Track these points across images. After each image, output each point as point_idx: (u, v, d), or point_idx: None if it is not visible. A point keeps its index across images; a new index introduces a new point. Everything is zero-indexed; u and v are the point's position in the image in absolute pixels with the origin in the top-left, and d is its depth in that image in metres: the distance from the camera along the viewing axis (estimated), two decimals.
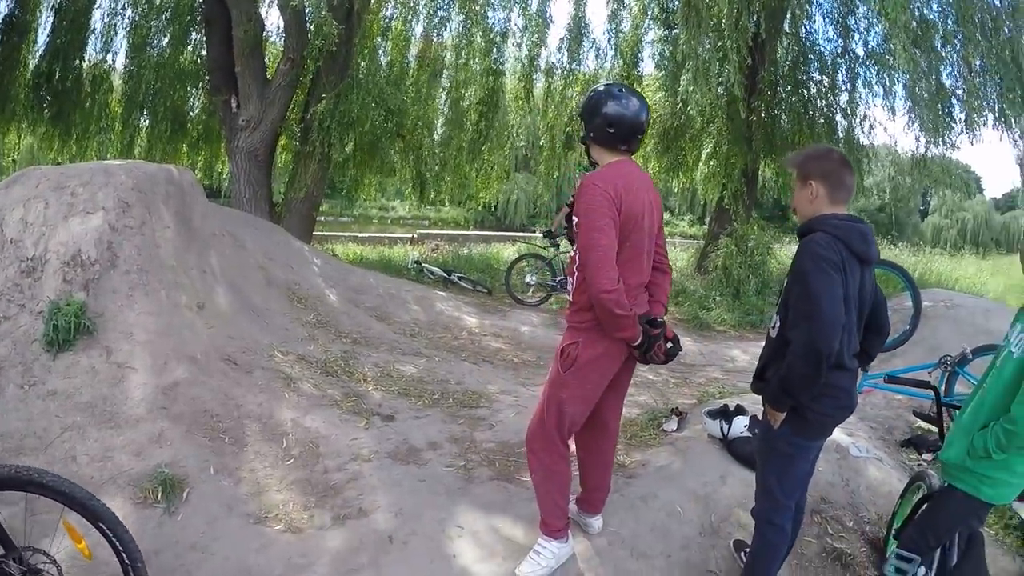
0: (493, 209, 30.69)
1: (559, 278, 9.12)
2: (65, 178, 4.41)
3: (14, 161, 15.89)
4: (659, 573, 3.01)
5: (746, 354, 7.50)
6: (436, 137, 11.69)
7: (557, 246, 9.25)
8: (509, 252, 13.17)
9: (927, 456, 4.14)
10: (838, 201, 2.44)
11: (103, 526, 2.23)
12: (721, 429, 3.89)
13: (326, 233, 16.47)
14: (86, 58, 11.29)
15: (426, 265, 10.59)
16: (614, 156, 2.68)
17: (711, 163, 12.22)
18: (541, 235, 10.66)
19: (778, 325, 2.48)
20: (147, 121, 11.77)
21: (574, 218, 2.62)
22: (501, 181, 12.61)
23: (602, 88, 2.70)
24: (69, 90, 11.04)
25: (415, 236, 18.35)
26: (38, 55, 11.05)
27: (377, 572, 2.83)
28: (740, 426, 3.86)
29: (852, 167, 2.54)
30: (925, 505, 2.78)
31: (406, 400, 4.60)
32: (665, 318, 2.80)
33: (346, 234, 17.96)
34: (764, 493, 2.67)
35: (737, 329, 8.99)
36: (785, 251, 11.63)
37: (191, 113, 12.30)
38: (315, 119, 9.05)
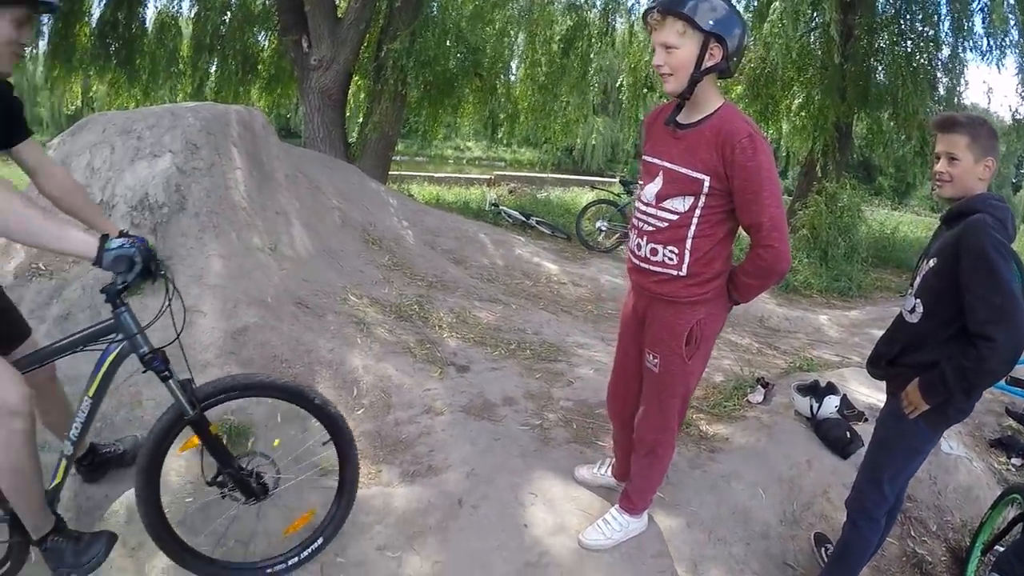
0: (570, 153, 30.11)
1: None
2: (131, 122, 4.43)
3: (91, 110, 16.39)
4: (735, 561, 2.78)
5: (835, 324, 7.05)
6: (513, 77, 11.36)
7: (631, 193, 8.89)
8: (588, 198, 12.81)
9: (1016, 461, 3.83)
10: None
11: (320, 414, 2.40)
12: (811, 407, 3.60)
13: (402, 173, 16.48)
14: (152, 4, 11.44)
15: (504, 208, 10.41)
16: (718, 96, 2.17)
17: (801, 114, 11.42)
18: (619, 182, 10.28)
19: (920, 311, 2.19)
20: (216, 64, 11.90)
21: (700, 175, 2.12)
22: (579, 123, 12.14)
23: (728, 3, 2.09)
24: (136, 37, 11.26)
25: (492, 177, 18.15)
26: (102, 4, 11.21)
27: (444, 538, 2.70)
28: (831, 406, 3.57)
29: None
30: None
31: (482, 349, 4.45)
32: None
33: (421, 174, 17.96)
34: (872, 484, 2.41)
35: (824, 295, 8.49)
36: (874, 214, 10.86)
37: (261, 55, 12.36)
38: (389, 57, 8.89)
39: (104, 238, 1.94)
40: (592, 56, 10.81)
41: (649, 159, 2.28)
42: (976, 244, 2.00)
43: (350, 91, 10.47)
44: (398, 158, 17.66)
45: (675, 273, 2.24)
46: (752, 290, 2.28)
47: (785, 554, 2.90)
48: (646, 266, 2.30)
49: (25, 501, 2.09)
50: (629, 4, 10.62)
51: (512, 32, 10.90)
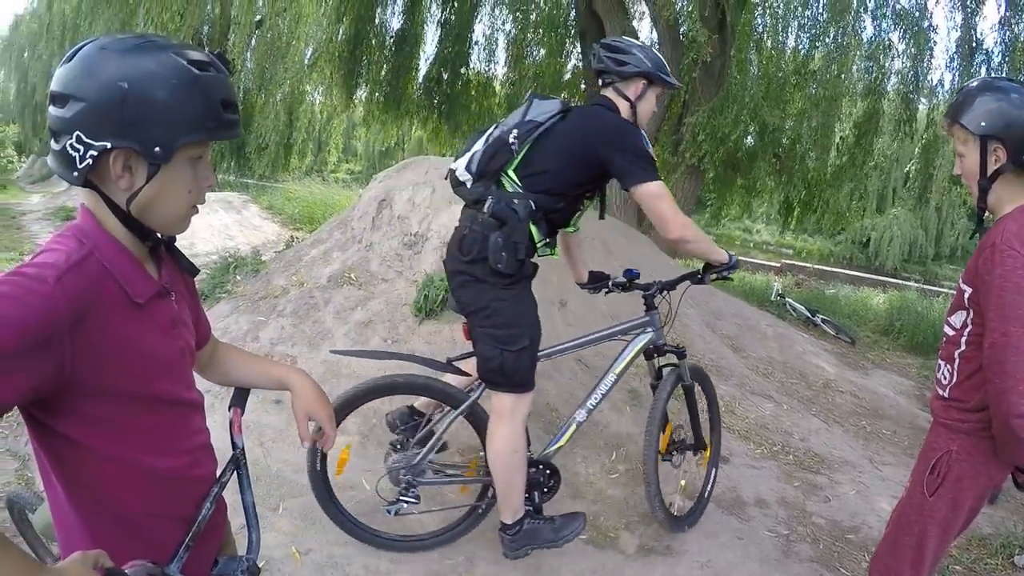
0: (865, 246, 28.07)
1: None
2: None
3: (403, 149, 18.82)
4: None
5: None
6: (808, 160, 11.17)
7: None
8: (879, 300, 11.96)
9: None
10: None
11: None
12: None
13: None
14: (470, 66, 13.07)
15: (789, 300, 10.11)
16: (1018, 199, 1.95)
17: None
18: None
19: None
20: None
21: (964, 286, 1.99)
22: (872, 216, 11.50)
23: (1002, 84, 1.93)
24: (457, 94, 12.89)
25: (780, 266, 17.62)
26: (427, 63, 13.11)
27: None
28: None
29: None
30: None
31: (745, 444, 4.49)
32: None
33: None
34: None
35: None
36: None
37: None
38: (688, 131, 9.18)
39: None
40: (886, 142, 10.28)
41: None
42: None
43: None
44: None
45: (942, 393, 2.11)
46: (1003, 439, 1.91)
47: None
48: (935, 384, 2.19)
49: (515, 492, 2.68)
50: (932, 85, 9.88)
51: (807, 113, 10.78)
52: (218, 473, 1.42)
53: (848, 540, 3.54)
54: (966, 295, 1.97)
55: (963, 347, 2.00)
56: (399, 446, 2.88)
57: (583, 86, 11.43)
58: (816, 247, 29.35)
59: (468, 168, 2.59)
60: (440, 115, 13.03)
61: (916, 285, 16.10)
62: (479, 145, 2.60)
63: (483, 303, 2.57)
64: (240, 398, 1.57)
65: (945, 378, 2.10)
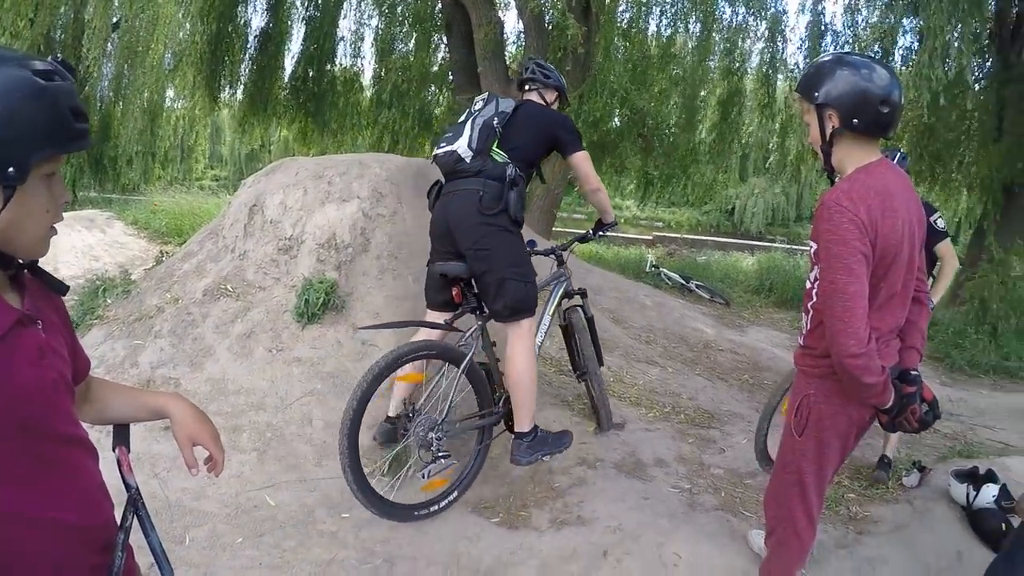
0: (730, 214, 29.75)
1: None
2: (322, 168, 4.98)
3: (269, 152, 18.31)
4: None
5: (1002, 407, 6.49)
6: (672, 138, 11.72)
7: None
8: (748, 263, 12.66)
9: None
10: None
11: None
12: (967, 495, 3.46)
13: (563, 229, 16.95)
14: (337, 63, 12.92)
15: (663, 270, 10.52)
16: (864, 152, 2.13)
17: (964, 172, 10.81)
18: None
19: None
20: (395, 119, 12.99)
21: (811, 243, 2.15)
22: (736, 185, 12.42)
23: (831, 57, 2.17)
24: (324, 92, 12.66)
25: (652, 238, 18.27)
26: (293, 61, 12.83)
27: None
28: (988, 496, 3.41)
29: None
30: None
31: (637, 410, 4.60)
32: (921, 369, 2.33)
33: (581, 231, 18.31)
34: (1006, 562, 2.35)
35: (992, 375, 7.75)
36: None
37: (436, 111, 13.40)
38: None
39: None
40: (747, 119, 11.04)
41: None
42: None
43: None
44: (561, 214, 18.22)
45: (800, 341, 2.31)
46: (845, 380, 2.10)
47: None
48: None
49: (529, 404, 3.27)
50: (790, 67, 10.66)
51: (671, 95, 11.34)
52: (118, 518, 1.32)
53: (747, 485, 3.71)
54: (813, 251, 2.13)
55: (814, 299, 2.17)
56: (410, 415, 3.19)
57: (451, 78, 11.43)
58: (685, 218, 30.67)
59: (470, 147, 3.21)
60: (307, 114, 12.75)
61: (781, 246, 17.18)
62: (467, 131, 3.24)
63: (505, 251, 3.22)
64: (122, 436, 1.47)
65: (803, 327, 2.29)
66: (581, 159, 3.53)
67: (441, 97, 13.30)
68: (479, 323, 3.36)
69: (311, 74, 12.52)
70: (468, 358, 3.22)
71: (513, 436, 3.33)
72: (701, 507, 3.46)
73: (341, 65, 12.99)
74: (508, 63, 10.73)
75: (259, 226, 4.82)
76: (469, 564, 2.98)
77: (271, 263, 4.64)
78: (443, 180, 3.39)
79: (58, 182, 1.16)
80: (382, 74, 12.67)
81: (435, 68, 12.69)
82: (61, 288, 1.27)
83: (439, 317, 3.40)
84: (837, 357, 2.02)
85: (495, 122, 3.27)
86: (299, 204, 4.81)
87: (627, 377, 5.14)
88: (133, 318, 4.59)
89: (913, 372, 2.24)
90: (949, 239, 4.28)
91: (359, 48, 12.95)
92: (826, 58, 2.20)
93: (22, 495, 1.09)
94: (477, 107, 3.36)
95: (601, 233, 4.05)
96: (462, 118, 3.37)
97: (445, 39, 11.71)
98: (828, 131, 2.11)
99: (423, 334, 3.41)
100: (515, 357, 3.23)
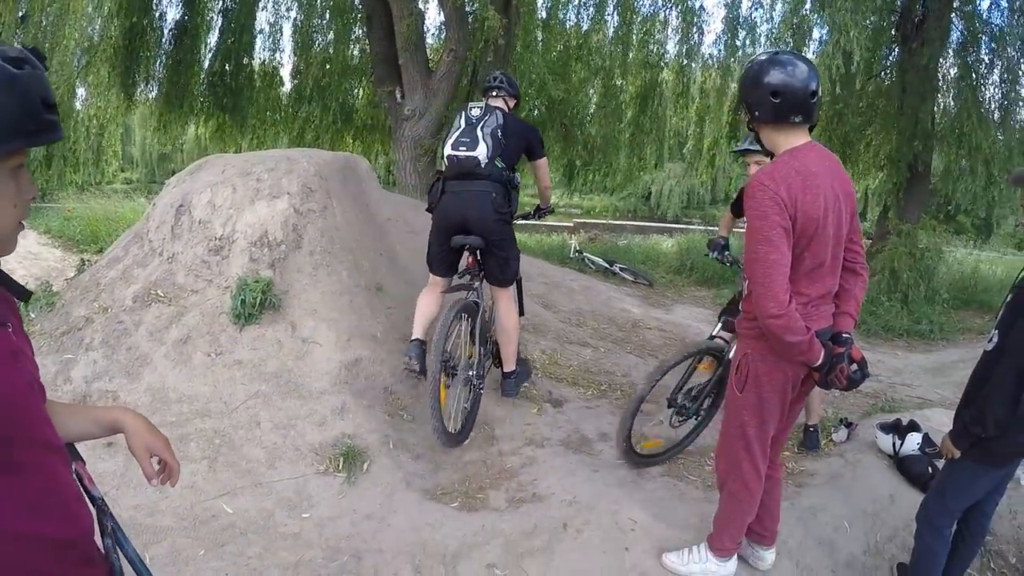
0: (647, 199, 30.47)
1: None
2: (250, 165, 4.87)
3: (182, 152, 17.65)
4: None
5: (916, 366, 7.08)
6: (593, 128, 11.99)
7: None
8: (668, 245, 13.04)
9: None
10: None
11: None
12: (893, 445, 3.86)
13: None
14: (255, 57, 12.60)
15: (587, 255, 10.73)
16: (789, 136, 2.34)
17: (872, 153, 11.49)
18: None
19: (995, 341, 2.53)
20: (316, 113, 12.79)
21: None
22: (654, 171, 12.88)
23: (762, 57, 2.37)
24: (242, 87, 12.33)
25: (573, 225, 18.54)
26: (210, 55, 12.34)
27: (551, 558, 2.94)
28: (913, 443, 3.81)
29: None
30: None
31: (575, 389, 4.73)
32: (852, 333, 2.55)
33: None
34: (936, 496, 2.80)
35: (905, 337, 8.47)
36: (954, 254, 10.72)
37: (356, 104, 13.25)
38: None
39: None
40: (664, 110, 11.37)
41: None
42: None
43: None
44: None
45: (740, 308, 2.60)
46: (772, 340, 2.33)
47: None
48: None
49: (515, 348, 4.09)
50: (704, 57, 11.13)
51: (590, 86, 11.58)
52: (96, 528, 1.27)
53: (688, 452, 3.91)
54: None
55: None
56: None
57: (372, 70, 11.31)
58: (604, 204, 31.20)
59: (488, 155, 3.78)
60: (225, 110, 12.37)
61: (699, 228, 17.75)
62: (482, 139, 3.78)
63: (511, 240, 4.04)
64: (73, 452, 1.38)
65: (740, 296, 2.55)
66: (544, 163, 4.41)
67: (361, 91, 13.16)
68: (479, 284, 4.10)
69: (229, 69, 12.18)
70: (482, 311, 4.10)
71: (503, 375, 4.17)
72: (648, 475, 3.62)
73: (260, 59, 12.71)
74: (429, 54, 10.73)
75: (187, 227, 4.66)
76: (436, 550, 3.01)
77: (202, 264, 4.49)
78: (443, 177, 3.94)
79: (25, 176, 1.11)
80: (302, 68, 12.45)
81: (355, 61, 12.53)
82: (24, 294, 1.21)
83: (442, 282, 4.06)
84: (761, 319, 2.27)
85: (499, 134, 3.86)
86: (228, 202, 4.66)
87: (561, 359, 5.27)
88: (60, 331, 4.38)
89: (845, 335, 2.48)
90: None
91: (278, 41, 12.71)
92: (759, 57, 2.41)
93: (17, 511, 1.04)
94: (475, 114, 3.90)
95: (542, 215, 4.87)
96: (462, 123, 3.90)
97: (365, 31, 11.60)
98: (749, 123, 2.43)
99: (435, 293, 4.02)
100: (505, 314, 4.05)
